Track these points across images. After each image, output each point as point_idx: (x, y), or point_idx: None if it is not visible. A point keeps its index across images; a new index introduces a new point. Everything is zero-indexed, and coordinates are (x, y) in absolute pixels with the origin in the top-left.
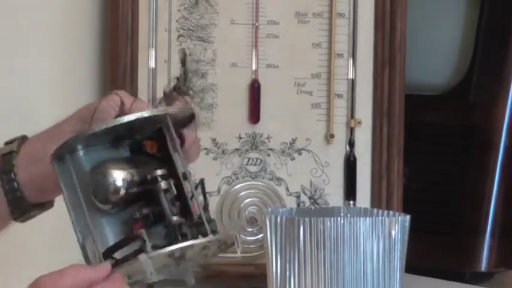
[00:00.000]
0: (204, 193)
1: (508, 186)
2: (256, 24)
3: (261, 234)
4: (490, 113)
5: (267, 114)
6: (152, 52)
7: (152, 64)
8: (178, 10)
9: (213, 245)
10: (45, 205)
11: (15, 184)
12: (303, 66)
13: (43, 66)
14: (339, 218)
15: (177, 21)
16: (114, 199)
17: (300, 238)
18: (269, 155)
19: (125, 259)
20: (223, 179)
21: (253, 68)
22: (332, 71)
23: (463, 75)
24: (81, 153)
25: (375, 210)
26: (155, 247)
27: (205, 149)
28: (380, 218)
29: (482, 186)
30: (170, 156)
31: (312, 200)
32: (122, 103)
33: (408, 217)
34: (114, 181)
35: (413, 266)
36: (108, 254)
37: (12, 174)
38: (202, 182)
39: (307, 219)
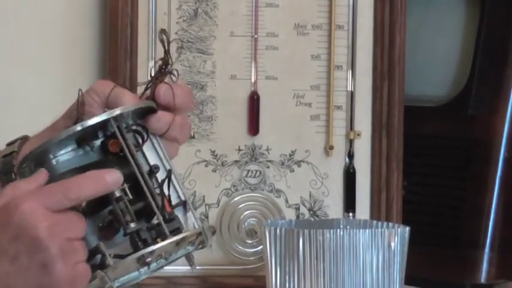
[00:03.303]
0: (168, 186)
1: (508, 198)
2: (256, 36)
3: (261, 246)
4: (489, 125)
5: (266, 126)
6: (152, 65)
7: None
8: (177, 22)
9: (184, 241)
10: None
11: None
12: (302, 78)
13: (43, 81)
14: (338, 230)
15: (176, 33)
16: (77, 209)
17: (299, 250)
18: (268, 167)
19: (92, 271)
20: (222, 191)
21: (253, 79)
22: (331, 83)
23: (462, 87)
24: (53, 162)
25: (375, 222)
26: (116, 256)
27: (205, 161)
28: (379, 229)
29: (482, 198)
30: (130, 157)
31: (311, 212)
32: (83, 103)
33: (408, 229)
34: None
35: (413, 278)
36: None
37: (13, 175)
38: (169, 173)
39: (306, 231)
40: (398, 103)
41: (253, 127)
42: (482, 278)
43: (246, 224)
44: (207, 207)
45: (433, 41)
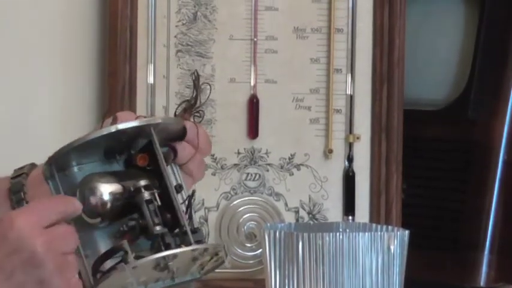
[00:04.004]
0: (190, 204)
1: (507, 200)
2: (255, 39)
3: (260, 250)
4: (489, 128)
5: (265, 129)
6: (151, 68)
7: (151, 80)
8: (176, 26)
9: (202, 256)
10: None
11: (25, 203)
12: (301, 82)
13: (42, 83)
14: (337, 233)
15: (175, 36)
16: (101, 213)
17: (298, 253)
18: (268, 170)
19: (109, 270)
20: (222, 194)
21: (252, 83)
22: (331, 86)
23: (461, 90)
24: (75, 169)
25: (374, 225)
26: (138, 257)
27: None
28: (379, 233)
29: (482, 201)
30: (160, 171)
31: (310, 215)
32: (116, 118)
33: (407, 232)
34: (101, 195)
35: (413, 281)
36: (96, 266)
37: (22, 194)
38: (193, 193)
39: (306, 234)
40: (398, 106)
41: (253, 130)
42: (482, 280)
43: (245, 227)
44: (206, 210)
45: (432, 43)
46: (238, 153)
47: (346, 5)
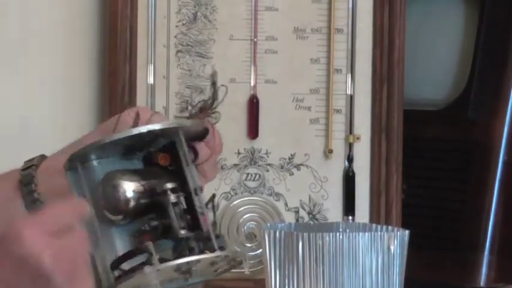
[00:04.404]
0: (213, 209)
1: (507, 200)
2: (255, 39)
3: (260, 250)
4: (489, 128)
5: (265, 129)
6: (151, 68)
7: (151, 80)
8: (176, 26)
9: (222, 260)
10: None
11: (36, 195)
12: (301, 82)
13: (42, 83)
14: (337, 233)
15: (175, 37)
16: (123, 210)
17: (298, 253)
18: (268, 171)
19: (131, 271)
20: (221, 194)
21: (252, 83)
22: (331, 86)
23: (461, 90)
24: (94, 163)
25: (374, 225)
26: (162, 260)
27: None
28: (379, 233)
29: (482, 201)
30: (182, 170)
31: (310, 215)
32: (138, 115)
33: (407, 232)
34: (125, 192)
35: (413, 281)
36: (115, 265)
37: (33, 186)
38: (213, 197)
39: (306, 234)
40: (398, 106)
41: (253, 131)
42: (482, 281)
43: (245, 227)
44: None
45: (432, 43)
46: (238, 153)
47: (346, 5)
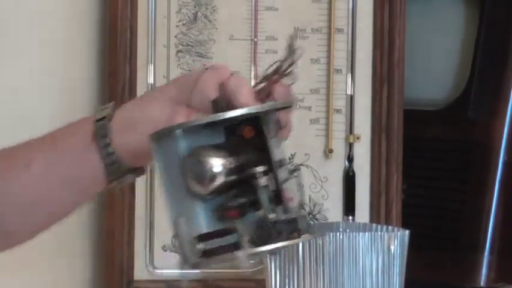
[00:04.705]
0: (299, 184)
1: (507, 200)
2: (255, 39)
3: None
4: (489, 128)
5: None
6: (151, 68)
7: (151, 80)
8: (176, 26)
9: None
10: (137, 171)
11: (112, 149)
12: (301, 82)
13: (42, 82)
14: (338, 233)
15: (175, 37)
16: (210, 185)
17: (299, 253)
18: None
19: (220, 250)
20: None
21: (252, 83)
22: (331, 86)
23: (461, 90)
24: (180, 136)
25: (374, 225)
26: (251, 242)
27: None
28: (379, 233)
29: (482, 201)
30: (267, 145)
31: (311, 215)
32: (223, 87)
33: (407, 232)
34: (212, 168)
35: (413, 281)
36: (202, 239)
37: (108, 139)
38: (295, 170)
39: None
40: (398, 106)
41: None
42: (482, 281)
43: None
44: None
45: (433, 43)
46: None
47: (346, 6)
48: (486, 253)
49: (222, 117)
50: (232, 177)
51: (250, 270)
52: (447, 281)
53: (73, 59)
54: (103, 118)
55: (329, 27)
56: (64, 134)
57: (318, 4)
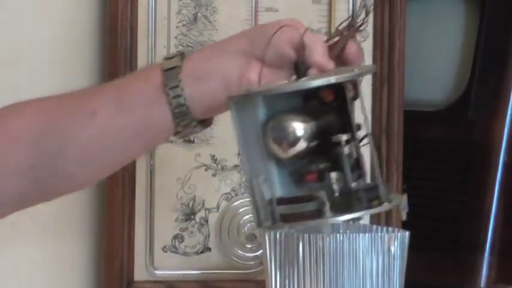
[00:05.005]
0: (373, 149)
1: (508, 201)
2: None
3: (260, 251)
4: (489, 130)
5: None
6: None
7: None
8: (176, 27)
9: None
10: (205, 122)
11: (183, 99)
12: None
13: (43, 84)
14: (338, 234)
15: (175, 37)
16: (293, 150)
17: (299, 254)
18: None
19: (303, 216)
20: (222, 195)
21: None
22: None
23: (461, 91)
24: (259, 99)
25: (374, 226)
26: (332, 209)
27: (204, 165)
28: (379, 234)
29: (482, 202)
30: (347, 110)
31: None
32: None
33: (407, 233)
34: (295, 132)
35: (413, 282)
36: (282, 202)
37: (179, 89)
38: (369, 135)
39: (306, 235)
40: (398, 107)
41: None
42: (482, 282)
43: (245, 228)
44: (206, 211)
45: (433, 43)
46: (239, 154)
47: (347, 6)
48: (486, 254)
49: (308, 86)
50: (315, 142)
51: (250, 271)
52: (447, 282)
53: (73, 59)
54: (172, 68)
55: (329, 28)
56: (130, 83)
57: (318, 5)
